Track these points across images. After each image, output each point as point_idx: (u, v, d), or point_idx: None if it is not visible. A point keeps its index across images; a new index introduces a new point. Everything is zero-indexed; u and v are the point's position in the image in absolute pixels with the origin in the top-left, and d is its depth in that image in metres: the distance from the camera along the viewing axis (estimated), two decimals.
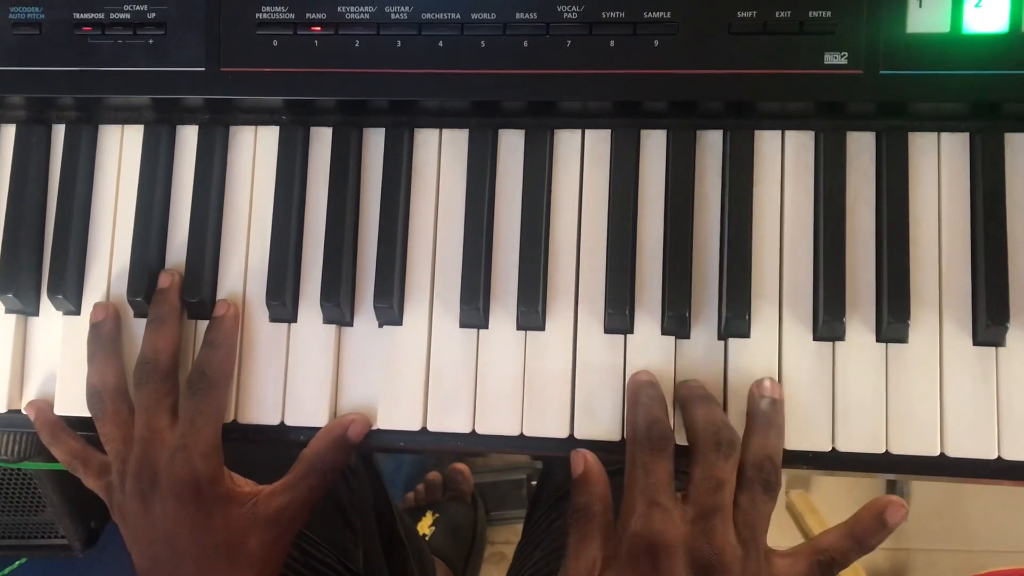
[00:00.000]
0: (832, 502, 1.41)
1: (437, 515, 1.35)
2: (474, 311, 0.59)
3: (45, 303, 0.63)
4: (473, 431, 0.59)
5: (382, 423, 0.59)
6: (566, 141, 0.60)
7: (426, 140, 0.61)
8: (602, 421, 0.58)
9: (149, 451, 0.57)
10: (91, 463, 0.61)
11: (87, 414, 0.61)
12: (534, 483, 1.36)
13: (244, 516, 0.57)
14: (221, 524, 0.57)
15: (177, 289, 0.61)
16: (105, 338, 0.61)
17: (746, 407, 0.56)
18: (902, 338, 0.56)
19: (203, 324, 0.61)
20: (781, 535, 1.41)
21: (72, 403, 0.62)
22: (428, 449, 0.60)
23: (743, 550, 0.52)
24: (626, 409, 0.57)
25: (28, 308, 0.63)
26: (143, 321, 0.62)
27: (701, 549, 0.51)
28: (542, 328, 0.59)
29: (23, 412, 0.63)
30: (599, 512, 0.55)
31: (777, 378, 0.57)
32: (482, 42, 0.58)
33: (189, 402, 0.58)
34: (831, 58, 0.56)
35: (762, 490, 0.53)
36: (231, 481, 0.58)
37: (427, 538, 1.32)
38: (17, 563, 1.12)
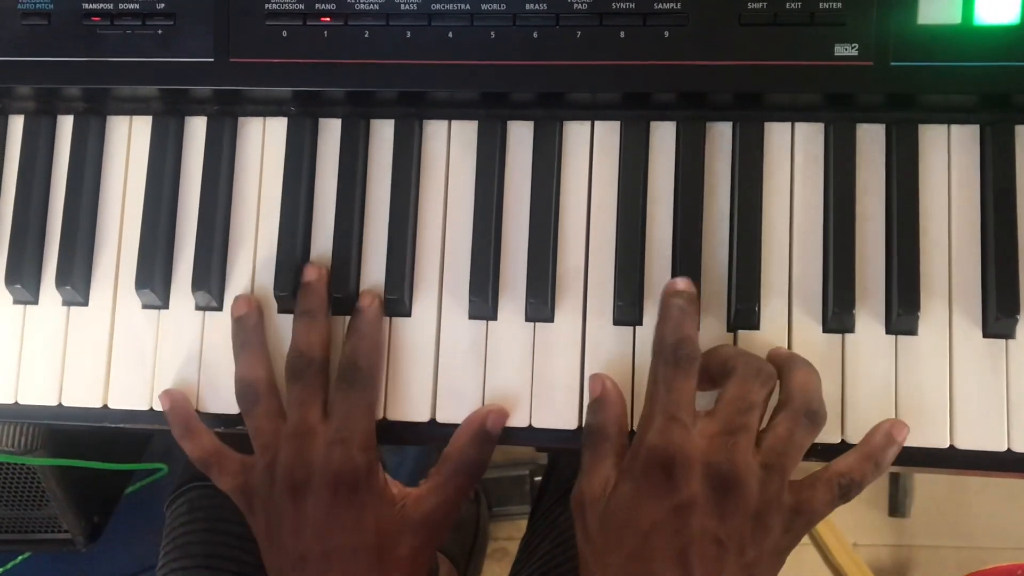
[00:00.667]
0: None
1: None
2: (483, 302, 0.59)
3: (46, 293, 0.63)
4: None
5: (390, 414, 0.59)
6: (575, 133, 0.60)
7: (435, 132, 0.61)
8: None
9: (304, 446, 0.56)
10: (228, 462, 0.59)
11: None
12: (537, 479, 1.36)
13: (395, 519, 0.56)
14: (373, 525, 0.55)
15: (325, 282, 0.59)
16: (251, 331, 0.59)
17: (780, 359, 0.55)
18: (912, 330, 0.56)
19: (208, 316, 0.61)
20: None
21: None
22: (437, 440, 0.59)
23: (764, 473, 0.51)
24: (657, 321, 0.56)
25: (31, 298, 0.63)
26: (150, 312, 0.62)
27: (719, 463, 0.50)
28: (551, 320, 0.59)
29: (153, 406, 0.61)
30: (614, 433, 0.54)
31: None
32: (492, 33, 0.58)
33: (343, 395, 0.56)
34: (841, 49, 0.56)
35: (806, 422, 0.52)
36: (385, 478, 0.57)
37: None
38: (21, 557, 1.12)
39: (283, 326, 0.61)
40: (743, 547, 0.50)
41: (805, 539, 1.31)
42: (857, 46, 0.56)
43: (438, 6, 0.58)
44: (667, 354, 0.53)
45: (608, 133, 0.60)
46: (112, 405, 0.62)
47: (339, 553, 0.55)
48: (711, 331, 0.58)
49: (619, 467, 0.53)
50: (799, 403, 0.52)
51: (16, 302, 0.63)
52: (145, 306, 0.62)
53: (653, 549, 0.50)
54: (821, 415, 0.52)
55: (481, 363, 0.59)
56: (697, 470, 0.50)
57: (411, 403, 0.59)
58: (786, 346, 0.57)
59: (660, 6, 0.57)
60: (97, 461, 0.93)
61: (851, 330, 0.56)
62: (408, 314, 0.60)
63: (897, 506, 1.40)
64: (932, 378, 0.56)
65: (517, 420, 0.59)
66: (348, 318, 0.60)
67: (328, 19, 0.59)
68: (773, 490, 0.51)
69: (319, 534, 0.55)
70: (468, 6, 0.58)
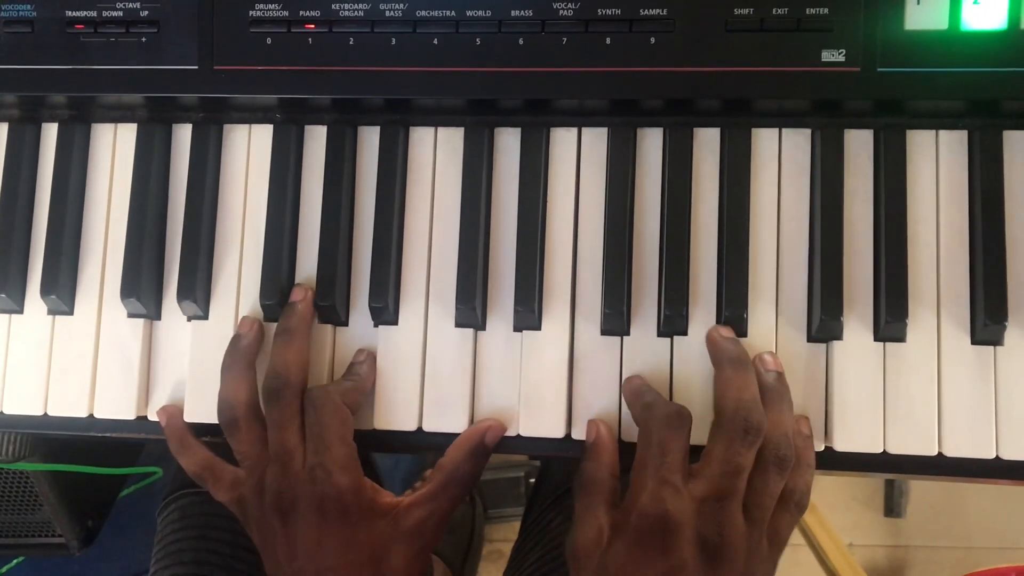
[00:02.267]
0: (830, 499, 1.41)
1: None
2: (470, 311, 0.58)
3: (31, 302, 0.62)
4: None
5: (378, 423, 0.59)
6: (562, 139, 0.60)
7: (421, 138, 0.61)
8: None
9: (286, 470, 0.56)
10: (222, 476, 0.60)
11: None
12: (532, 481, 1.36)
13: (387, 530, 0.56)
14: (365, 539, 0.56)
15: (310, 304, 0.59)
16: (243, 352, 0.59)
17: None
18: (900, 337, 0.56)
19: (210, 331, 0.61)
20: None
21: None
22: (424, 449, 0.59)
23: (749, 531, 0.52)
24: (626, 395, 0.57)
25: (16, 307, 0.62)
26: (136, 321, 0.62)
27: (709, 531, 0.51)
28: (538, 328, 0.59)
29: (152, 418, 0.61)
30: (606, 480, 0.55)
31: None
32: (477, 40, 0.58)
33: (311, 417, 0.56)
34: (828, 55, 0.56)
35: (776, 469, 0.53)
36: (372, 492, 0.57)
37: None
38: (15, 561, 1.12)
39: (268, 335, 0.60)
40: None
41: (800, 540, 1.31)
42: (844, 52, 0.55)
43: (423, 13, 0.58)
44: (659, 415, 0.54)
45: (595, 140, 0.60)
46: (98, 414, 0.61)
47: (334, 570, 0.55)
48: (699, 338, 0.57)
49: (612, 517, 0.54)
50: (768, 454, 0.53)
51: (1, 311, 0.63)
52: (131, 315, 0.62)
53: None
54: (788, 460, 0.53)
55: (468, 372, 0.59)
56: (688, 536, 0.51)
57: (398, 412, 0.59)
58: (774, 351, 0.57)
59: (646, 12, 0.57)
60: (91, 465, 0.93)
61: (839, 337, 0.56)
62: (395, 322, 0.60)
63: (893, 507, 1.40)
64: (920, 385, 0.55)
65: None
66: (332, 328, 0.60)
67: (312, 26, 0.59)
68: (756, 544, 0.52)
69: (312, 554, 0.55)
70: (453, 13, 0.58)
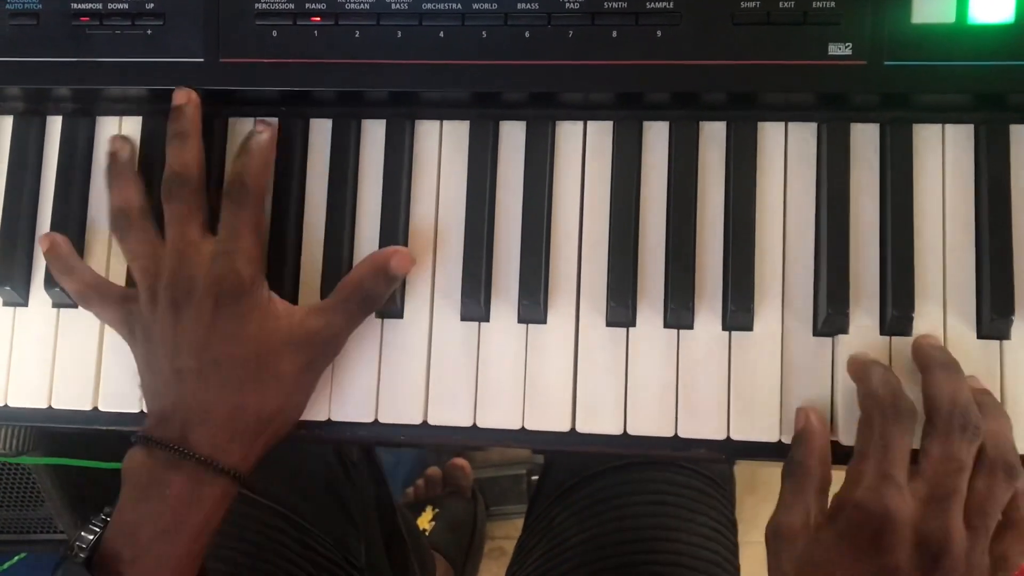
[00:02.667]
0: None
1: (437, 510, 1.35)
2: (475, 304, 0.58)
3: (36, 295, 0.62)
4: (474, 425, 0.58)
5: (383, 416, 0.59)
6: (568, 133, 0.60)
7: (427, 132, 0.61)
8: (604, 414, 0.57)
9: (185, 259, 0.56)
10: (108, 292, 0.59)
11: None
12: (534, 478, 1.36)
13: (277, 332, 0.56)
14: (254, 336, 0.55)
15: (196, 106, 0.59)
16: (124, 164, 0.60)
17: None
18: (906, 331, 0.56)
19: None
20: None
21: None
22: (429, 443, 0.59)
23: (971, 538, 0.50)
24: (857, 384, 0.54)
25: (21, 300, 0.62)
26: None
27: (931, 532, 0.49)
28: (544, 321, 0.58)
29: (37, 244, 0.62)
30: (815, 467, 0.54)
31: (779, 371, 0.56)
32: (483, 33, 0.58)
33: (229, 212, 0.57)
34: (835, 49, 0.55)
35: (1004, 476, 0.50)
36: (269, 293, 0.57)
37: (427, 533, 1.32)
38: (17, 558, 1.12)
39: None
40: None
41: None
42: (851, 45, 0.55)
43: (429, 5, 0.58)
44: (887, 405, 0.52)
45: (601, 133, 0.60)
46: (102, 407, 0.61)
47: (218, 364, 0.55)
48: (705, 334, 0.57)
49: (821, 504, 0.53)
50: (995, 457, 0.51)
51: (5, 304, 0.63)
52: None
53: None
54: (1018, 468, 0.51)
55: (473, 365, 0.59)
56: (908, 537, 0.49)
57: (403, 405, 0.59)
58: (780, 347, 0.57)
59: (652, 5, 0.56)
60: (93, 461, 0.93)
61: (845, 331, 0.56)
62: (400, 315, 0.59)
63: None
64: None
65: (510, 422, 0.58)
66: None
67: (318, 19, 0.59)
68: (978, 553, 0.50)
69: (198, 347, 0.55)
70: (459, 5, 0.58)
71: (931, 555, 0.49)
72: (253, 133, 0.59)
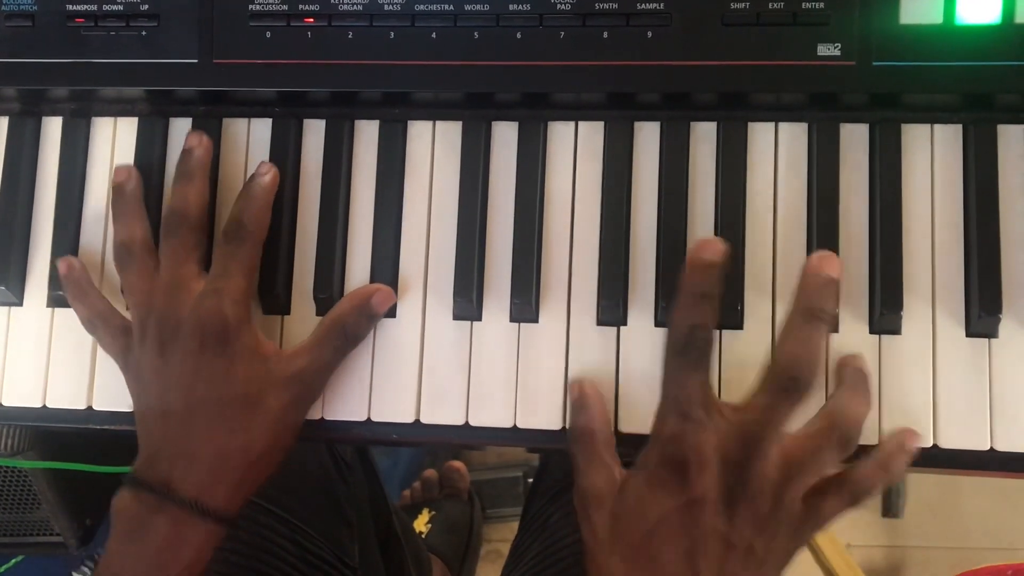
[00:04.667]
0: None
1: (433, 513, 1.35)
2: (467, 303, 0.59)
3: (31, 295, 0.63)
4: (467, 423, 0.59)
5: (375, 415, 0.59)
6: (559, 133, 0.60)
7: (420, 132, 0.61)
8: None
9: (174, 297, 0.56)
10: (112, 323, 0.59)
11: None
12: (531, 480, 1.36)
13: (263, 372, 0.56)
14: (241, 377, 0.55)
15: (207, 149, 0.60)
16: (130, 196, 0.60)
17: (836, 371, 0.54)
18: (895, 329, 0.56)
19: None
20: None
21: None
22: (421, 441, 0.59)
23: (782, 483, 0.50)
24: (673, 308, 0.53)
25: (16, 299, 0.63)
26: None
27: (735, 469, 0.50)
28: (535, 320, 0.59)
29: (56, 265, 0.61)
30: (602, 428, 0.55)
31: None
32: (475, 34, 0.58)
33: (223, 249, 0.57)
34: (824, 49, 0.56)
35: (837, 448, 0.51)
36: (255, 334, 0.57)
37: (423, 536, 1.32)
38: (13, 561, 1.12)
39: (267, 327, 0.60)
40: (752, 550, 0.50)
41: None
42: (840, 46, 0.56)
43: (421, 7, 0.58)
44: (676, 342, 0.52)
45: (592, 133, 0.60)
46: (97, 407, 0.62)
47: (204, 405, 0.55)
48: None
49: (618, 461, 0.54)
50: (839, 428, 0.51)
51: (0, 304, 0.63)
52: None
53: (661, 542, 0.51)
54: (853, 443, 0.52)
55: (465, 364, 0.59)
56: (711, 469, 0.50)
57: (395, 404, 0.59)
58: (770, 346, 0.57)
59: (643, 6, 0.57)
60: (89, 463, 0.93)
61: (835, 329, 0.56)
62: (392, 315, 0.60)
63: (890, 507, 1.40)
64: (915, 377, 0.56)
65: (502, 420, 0.58)
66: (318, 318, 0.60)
67: (312, 20, 0.59)
68: (787, 499, 0.50)
69: (185, 387, 0.55)
70: (451, 7, 0.58)
71: (734, 490, 0.50)
72: (256, 175, 0.59)
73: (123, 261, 0.59)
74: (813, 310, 0.51)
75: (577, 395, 0.56)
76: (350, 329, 0.58)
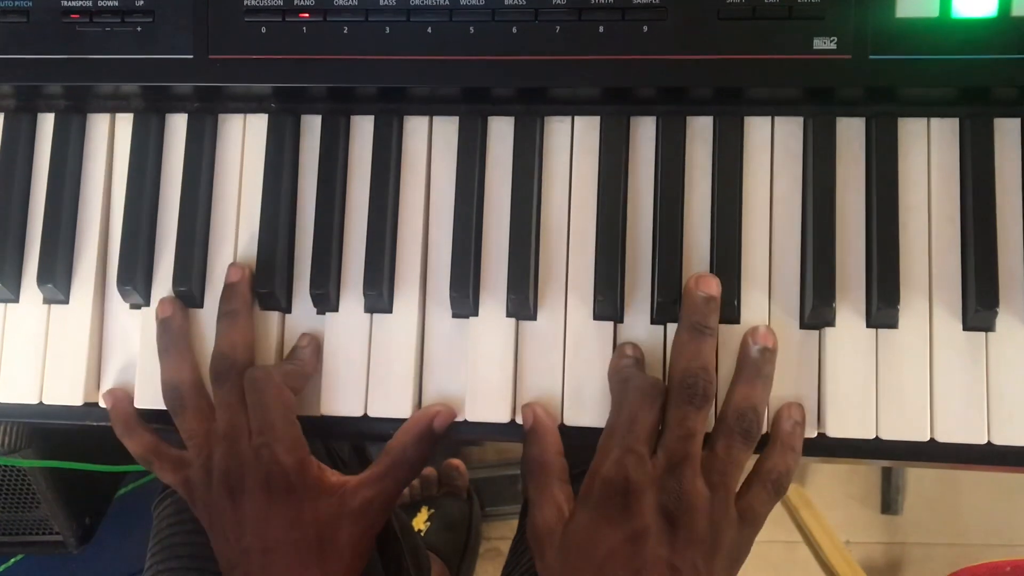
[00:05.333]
0: (827, 497, 1.41)
1: (432, 511, 1.35)
2: (464, 299, 0.58)
3: (27, 291, 0.63)
4: (464, 419, 0.59)
5: (372, 411, 0.59)
6: (556, 128, 0.60)
7: (416, 128, 0.61)
8: (591, 408, 0.58)
9: (234, 449, 0.57)
10: (166, 458, 0.60)
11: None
12: None
13: (333, 508, 0.57)
14: (311, 517, 0.56)
15: (248, 283, 0.60)
16: (176, 333, 0.60)
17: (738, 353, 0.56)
18: (892, 323, 0.56)
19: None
20: (776, 529, 1.40)
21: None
22: None
23: (711, 494, 0.53)
24: (609, 371, 0.57)
25: (11, 296, 0.63)
26: (132, 309, 0.62)
27: (669, 495, 0.52)
28: (532, 316, 0.59)
29: (99, 403, 0.62)
30: (554, 460, 0.56)
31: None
32: (471, 28, 0.58)
33: (251, 399, 0.57)
34: (820, 43, 0.56)
35: (741, 439, 0.54)
36: (319, 471, 0.58)
37: (422, 533, 1.32)
38: (13, 560, 1.12)
39: (264, 322, 0.60)
40: (696, 569, 0.52)
41: (797, 537, 1.31)
42: (836, 40, 0.56)
43: (417, 2, 0.58)
44: (629, 383, 0.55)
45: (588, 128, 0.60)
46: (94, 403, 0.61)
47: (280, 547, 0.56)
48: None
49: (567, 493, 0.55)
50: (733, 421, 0.54)
51: None
52: (131, 306, 0.62)
53: (609, 575, 0.52)
54: (754, 431, 0.54)
55: (463, 360, 0.59)
56: (650, 502, 0.52)
57: (392, 399, 0.59)
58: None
59: (639, 1, 0.57)
60: (88, 462, 0.93)
61: (831, 324, 0.56)
62: (389, 311, 0.60)
63: (889, 504, 1.40)
64: (912, 371, 0.56)
65: (498, 416, 0.58)
66: (329, 315, 0.60)
67: (307, 15, 0.59)
68: (720, 509, 0.53)
69: (259, 531, 0.56)
70: (447, 2, 0.58)
71: (671, 515, 0.52)
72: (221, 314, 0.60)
73: (175, 406, 0.59)
74: (697, 325, 0.55)
75: (531, 423, 0.57)
76: (414, 458, 0.58)
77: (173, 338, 0.60)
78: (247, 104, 0.62)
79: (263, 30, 0.59)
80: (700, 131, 0.59)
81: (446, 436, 0.58)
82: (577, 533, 0.53)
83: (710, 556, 0.53)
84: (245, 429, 0.57)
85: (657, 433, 0.54)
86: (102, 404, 0.61)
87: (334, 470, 0.59)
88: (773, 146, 0.59)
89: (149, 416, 0.61)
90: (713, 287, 0.55)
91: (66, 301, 0.62)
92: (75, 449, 0.91)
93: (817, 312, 0.56)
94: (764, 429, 0.55)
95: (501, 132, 0.60)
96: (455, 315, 0.60)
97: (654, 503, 0.52)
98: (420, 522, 1.33)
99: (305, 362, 0.59)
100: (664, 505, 0.52)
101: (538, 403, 0.57)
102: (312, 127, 0.62)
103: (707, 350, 0.55)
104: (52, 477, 0.95)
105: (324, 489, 0.57)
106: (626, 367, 0.56)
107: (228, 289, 0.60)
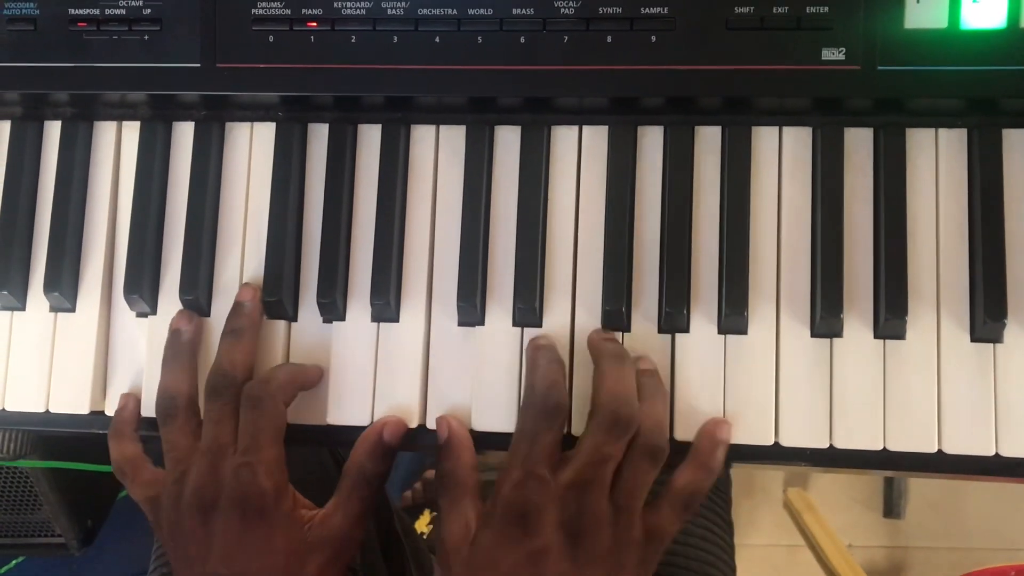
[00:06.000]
0: (830, 500, 1.41)
1: (435, 514, 1.35)
2: (471, 308, 0.58)
3: (33, 299, 0.63)
4: (471, 428, 0.59)
5: (379, 419, 0.59)
6: (563, 137, 0.60)
7: (423, 136, 0.61)
8: None
9: (214, 465, 0.56)
10: (142, 473, 0.60)
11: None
12: None
13: (303, 539, 0.56)
14: (282, 546, 0.56)
15: (258, 303, 0.60)
16: (185, 345, 0.60)
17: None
18: (900, 334, 0.56)
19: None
20: (779, 533, 1.41)
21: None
22: (425, 447, 0.59)
23: (615, 515, 0.53)
24: (524, 373, 0.58)
25: (18, 304, 0.63)
26: (139, 318, 0.62)
27: (571, 513, 0.53)
28: (539, 325, 0.59)
29: (105, 411, 0.62)
30: (467, 475, 0.56)
31: (775, 375, 0.57)
32: (479, 38, 0.58)
33: (248, 418, 0.56)
34: (829, 54, 0.56)
35: (648, 461, 0.54)
36: (294, 501, 0.57)
37: (425, 536, 1.32)
38: (15, 562, 1.12)
39: (270, 331, 0.60)
40: None
41: (800, 541, 1.31)
42: (844, 50, 0.56)
43: (425, 11, 0.58)
44: (536, 404, 0.55)
45: (596, 137, 0.60)
46: (99, 411, 0.61)
47: (247, 574, 0.55)
48: (701, 335, 0.57)
49: (478, 510, 0.55)
50: (642, 444, 0.54)
51: (3, 308, 0.63)
52: (137, 314, 0.62)
53: None
54: (660, 453, 0.54)
55: (469, 369, 0.59)
56: (551, 521, 0.53)
57: (400, 409, 0.59)
58: (774, 351, 0.57)
59: (647, 11, 0.57)
60: (90, 464, 0.93)
61: (839, 335, 0.56)
62: (396, 319, 0.60)
63: (892, 508, 1.40)
64: (920, 383, 0.56)
65: (505, 425, 0.58)
66: (335, 324, 0.60)
67: (315, 24, 0.59)
68: (623, 529, 0.53)
69: (227, 555, 0.55)
70: (455, 11, 0.58)
71: (573, 533, 0.53)
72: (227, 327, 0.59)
73: (166, 415, 0.59)
74: (619, 355, 0.56)
75: (446, 436, 0.57)
76: (371, 472, 0.58)
77: (180, 348, 0.60)
78: (254, 112, 0.62)
79: (271, 39, 0.59)
80: (708, 141, 0.59)
81: (404, 447, 0.58)
82: (480, 551, 0.54)
83: (614, 574, 0.53)
84: (228, 448, 0.56)
85: (560, 449, 0.54)
86: (115, 405, 0.61)
87: (307, 501, 0.58)
88: (781, 156, 0.59)
89: (107, 423, 0.61)
90: None
91: (72, 309, 0.62)
92: (78, 451, 0.91)
93: (825, 323, 0.56)
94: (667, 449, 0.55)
95: (508, 141, 0.60)
96: (461, 324, 0.59)
97: (556, 521, 0.53)
98: (423, 525, 1.34)
99: (308, 374, 0.59)
100: (566, 523, 0.53)
101: (452, 415, 0.58)
102: (319, 135, 0.62)
103: (629, 376, 0.55)
104: (54, 479, 0.95)
105: (296, 520, 0.57)
106: (539, 365, 0.56)
107: (237, 307, 0.60)
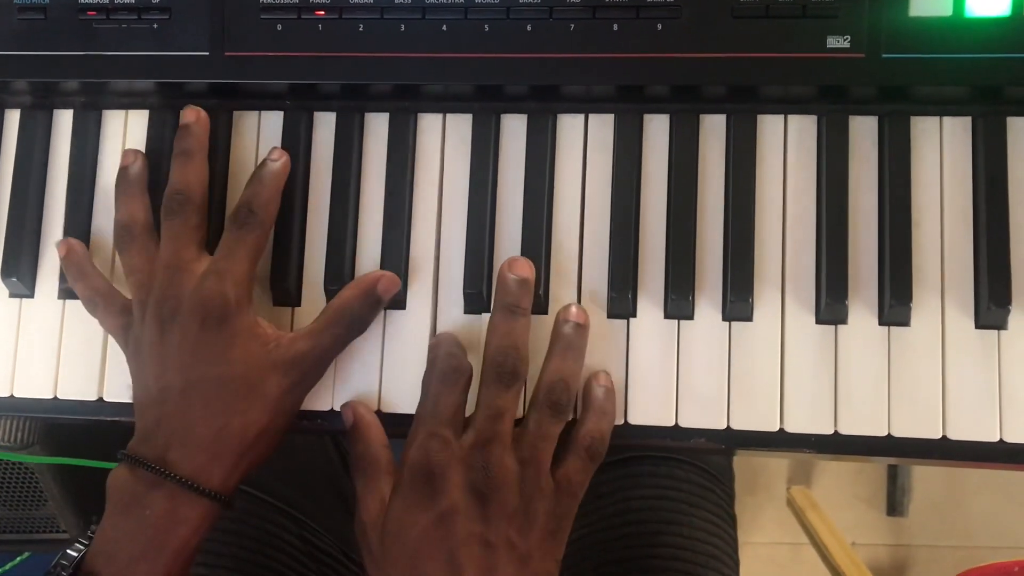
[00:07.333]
0: (833, 498, 1.41)
1: None
2: (477, 295, 0.59)
3: (42, 286, 0.63)
4: None
5: (386, 407, 0.59)
6: (569, 126, 0.60)
7: (430, 125, 0.61)
8: None
9: (175, 278, 0.56)
10: (112, 301, 0.60)
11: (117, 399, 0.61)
12: None
13: (264, 355, 0.56)
14: (240, 358, 0.55)
15: (204, 125, 0.60)
16: (134, 178, 0.60)
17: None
18: (904, 321, 0.56)
19: None
20: (782, 530, 1.41)
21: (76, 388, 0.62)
22: None
23: (521, 470, 0.54)
24: (429, 344, 0.58)
25: (27, 291, 0.63)
26: None
27: (476, 472, 0.53)
28: (545, 312, 0.59)
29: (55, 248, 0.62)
30: (380, 454, 0.57)
31: (780, 361, 0.57)
32: (486, 26, 0.58)
33: (230, 234, 0.57)
34: (834, 42, 0.56)
35: (549, 412, 0.55)
36: (255, 317, 0.57)
37: None
38: (20, 558, 1.12)
39: (276, 319, 0.61)
40: (512, 543, 0.53)
41: (803, 539, 1.31)
42: (849, 38, 0.56)
43: None
44: (436, 368, 0.56)
45: (602, 126, 0.60)
46: (107, 398, 0.62)
47: (202, 385, 0.55)
48: (706, 321, 0.58)
49: (391, 485, 0.56)
50: (543, 397, 0.55)
51: (12, 295, 0.63)
52: None
53: (424, 557, 0.53)
54: (563, 403, 0.55)
55: (475, 356, 0.59)
56: (457, 481, 0.53)
57: (407, 395, 0.59)
58: (779, 337, 0.57)
59: None
60: (95, 460, 0.93)
61: (844, 321, 0.57)
62: (403, 307, 0.60)
63: (895, 505, 1.40)
64: (925, 369, 0.56)
65: None
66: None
67: (323, 12, 0.59)
68: (531, 482, 0.54)
69: (183, 366, 0.55)
70: None
71: (480, 492, 0.53)
72: (267, 160, 0.59)
73: (123, 242, 0.59)
74: (511, 306, 0.56)
75: (352, 421, 0.58)
76: (355, 316, 0.58)
77: (131, 183, 0.60)
78: (262, 101, 0.62)
79: (279, 27, 0.60)
80: (713, 129, 0.59)
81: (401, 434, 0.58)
82: (391, 521, 0.54)
83: (526, 530, 0.53)
84: (189, 263, 0.57)
85: (463, 414, 0.55)
86: (57, 251, 0.62)
87: (271, 326, 0.58)
88: (786, 144, 0.59)
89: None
90: (526, 270, 0.56)
91: (71, 286, 0.62)
92: (83, 446, 0.91)
93: (830, 309, 0.56)
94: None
95: (514, 129, 0.61)
96: (467, 311, 0.60)
97: (462, 481, 0.53)
98: None
99: (275, 189, 0.59)
100: (472, 482, 0.53)
101: (357, 400, 0.58)
102: (327, 124, 0.62)
103: (519, 330, 0.55)
104: (59, 475, 0.95)
105: (258, 335, 0.56)
106: (440, 343, 0.57)
107: (183, 130, 0.60)
